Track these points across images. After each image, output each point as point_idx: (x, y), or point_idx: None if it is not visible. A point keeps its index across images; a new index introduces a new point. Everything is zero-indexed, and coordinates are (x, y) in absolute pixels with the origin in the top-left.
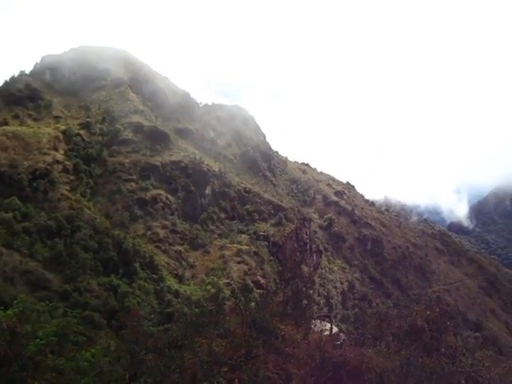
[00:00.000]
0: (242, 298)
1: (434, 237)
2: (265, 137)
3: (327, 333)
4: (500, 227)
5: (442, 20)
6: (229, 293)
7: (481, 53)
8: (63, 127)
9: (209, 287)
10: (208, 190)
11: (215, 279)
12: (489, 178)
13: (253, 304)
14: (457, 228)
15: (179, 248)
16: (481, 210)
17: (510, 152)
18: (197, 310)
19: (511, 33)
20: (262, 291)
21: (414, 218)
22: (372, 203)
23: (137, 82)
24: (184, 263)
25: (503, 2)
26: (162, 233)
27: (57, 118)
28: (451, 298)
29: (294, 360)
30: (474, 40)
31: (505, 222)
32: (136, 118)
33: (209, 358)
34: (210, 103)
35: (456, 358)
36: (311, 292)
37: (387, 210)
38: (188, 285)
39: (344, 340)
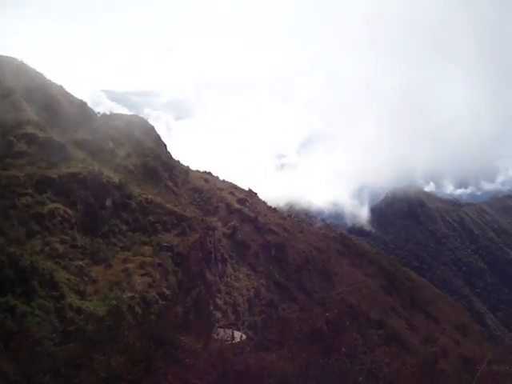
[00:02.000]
0: (140, 311)
1: (335, 240)
2: (166, 146)
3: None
4: (397, 228)
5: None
6: (130, 306)
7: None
8: None
9: (109, 301)
10: (108, 202)
11: (119, 293)
12: (386, 181)
13: (153, 316)
14: (358, 231)
15: (80, 263)
16: (379, 212)
17: (403, 154)
18: (96, 326)
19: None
20: (165, 303)
21: (318, 224)
22: (275, 210)
23: (30, 92)
24: (86, 278)
25: None
26: (61, 248)
27: None
28: (354, 298)
29: (195, 371)
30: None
31: (401, 223)
32: (30, 129)
33: (107, 374)
34: (108, 113)
35: (356, 356)
36: (217, 300)
37: (290, 216)
38: (91, 300)
39: (245, 347)
